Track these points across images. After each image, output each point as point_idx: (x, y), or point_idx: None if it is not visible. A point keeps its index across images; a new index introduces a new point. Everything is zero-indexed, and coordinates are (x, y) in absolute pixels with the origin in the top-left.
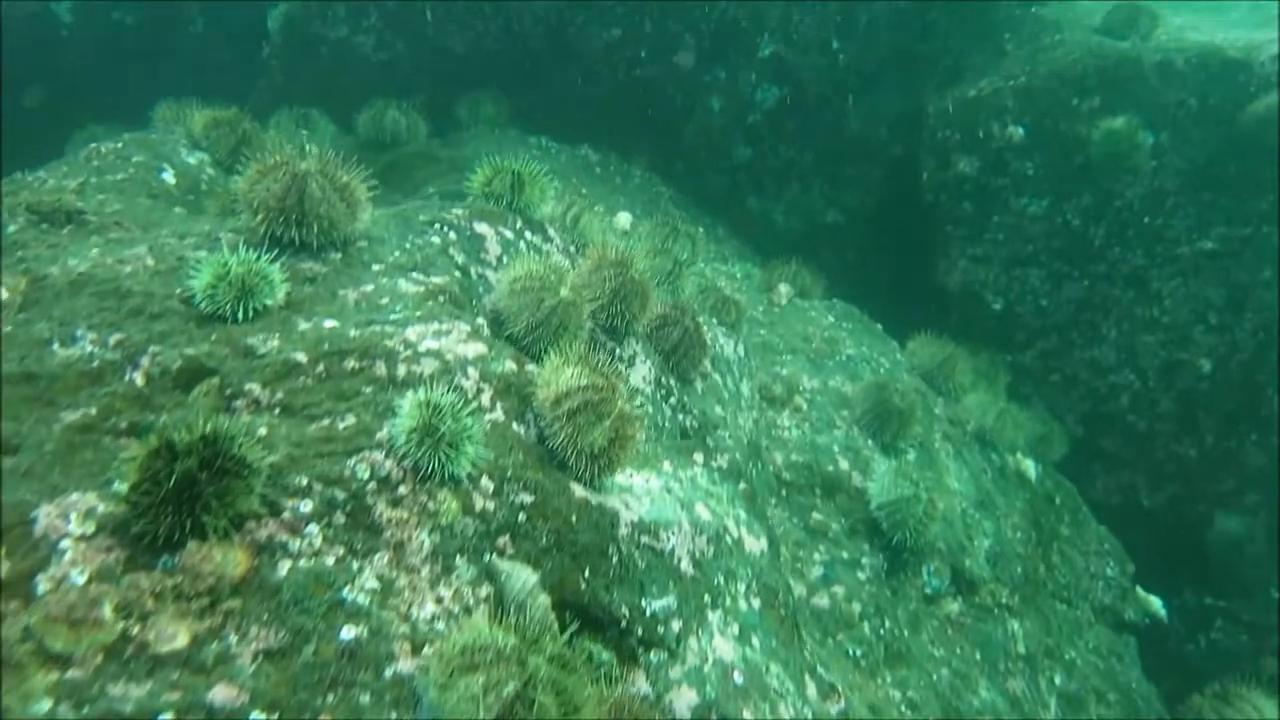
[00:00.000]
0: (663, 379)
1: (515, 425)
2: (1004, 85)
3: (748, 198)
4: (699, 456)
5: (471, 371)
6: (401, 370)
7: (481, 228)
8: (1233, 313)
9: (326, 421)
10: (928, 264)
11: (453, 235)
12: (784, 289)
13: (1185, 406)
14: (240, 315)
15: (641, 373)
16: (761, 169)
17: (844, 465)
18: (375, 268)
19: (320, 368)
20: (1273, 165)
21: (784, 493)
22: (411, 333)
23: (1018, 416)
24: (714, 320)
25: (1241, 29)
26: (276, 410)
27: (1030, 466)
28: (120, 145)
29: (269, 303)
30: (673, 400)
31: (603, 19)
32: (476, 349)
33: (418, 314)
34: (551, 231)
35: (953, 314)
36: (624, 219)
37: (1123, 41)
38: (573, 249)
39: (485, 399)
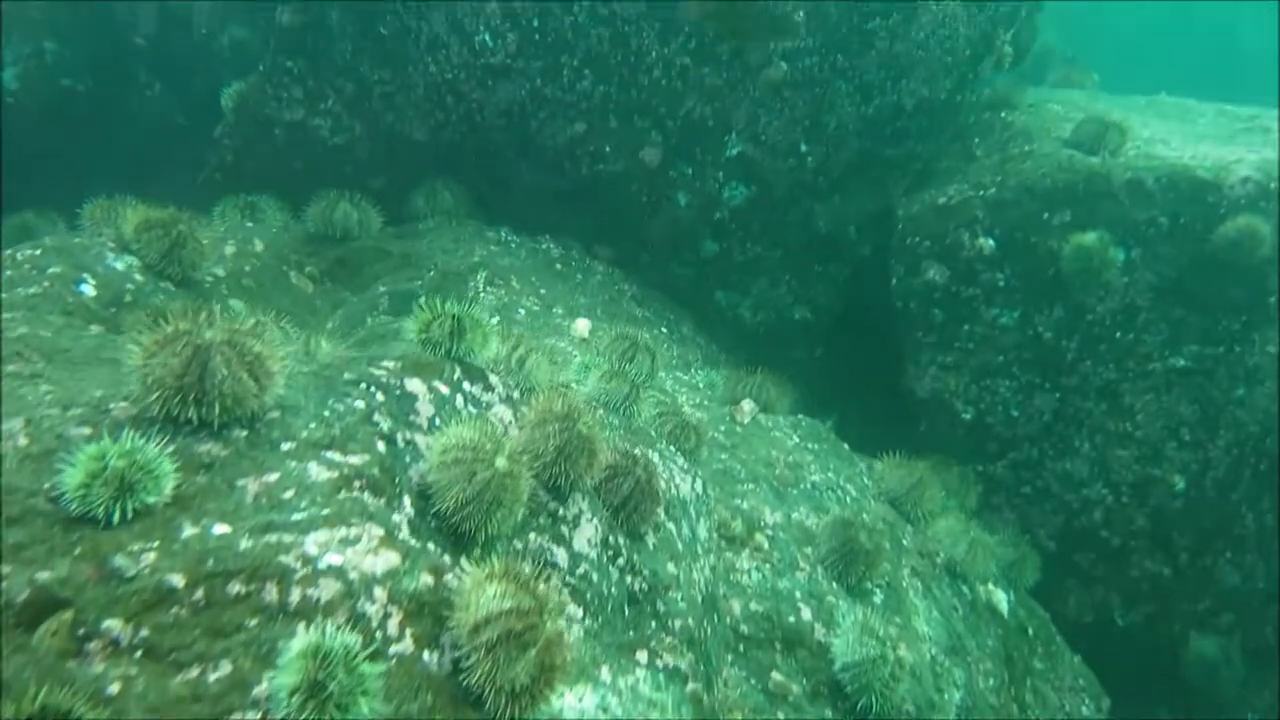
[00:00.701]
0: (610, 538)
1: (426, 656)
2: (974, 195)
3: (715, 291)
4: (642, 655)
5: (378, 593)
6: (295, 596)
7: (414, 385)
8: (1206, 430)
9: (196, 671)
10: (897, 367)
11: (380, 397)
12: (747, 406)
13: (1159, 523)
14: (116, 518)
15: (587, 534)
16: (729, 264)
17: (806, 615)
18: (285, 446)
19: (199, 594)
20: (1244, 287)
21: (741, 648)
22: (313, 543)
23: (989, 545)
24: (672, 449)
25: (1210, 141)
26: (138, 654)
27: (1002, 599)
28: (38, 253)
29: (152, 500)
30: (621, 561)
31: (566, 114)
32: (388, 561)
33: (325, 513)
34: (494, 379)
35: (922, 421)
36: (583, 326)
37: (1092, 157)
38: (518, 394)
39: (392, 626)
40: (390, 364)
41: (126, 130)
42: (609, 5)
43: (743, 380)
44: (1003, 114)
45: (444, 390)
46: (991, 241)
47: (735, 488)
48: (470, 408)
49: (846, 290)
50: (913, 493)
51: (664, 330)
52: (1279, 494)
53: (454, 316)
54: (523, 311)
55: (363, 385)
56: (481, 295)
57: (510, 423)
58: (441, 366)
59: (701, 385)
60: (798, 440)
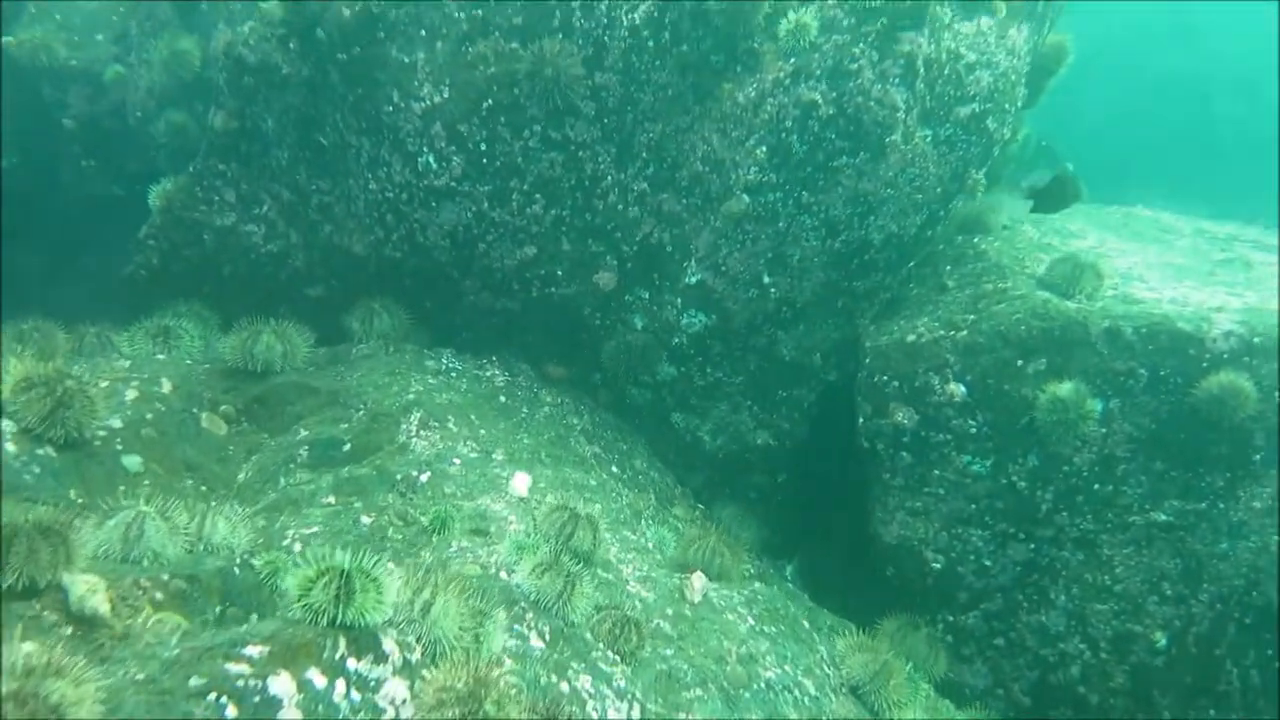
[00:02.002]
0: None
1: None
2: (945, 336)
3: (672, 413)
4: None
5: None
6: None
7: (280, 685)
8: (1188, 584)
9: None
10: (864, 506)
11: (230, 711)
12: (699, 583)
13: (1140, 681)
14: None
15: None
16: (687, 388)
17: None
18: None
19: None
20: (1227, 444)
21: None
22: None
23: None
24: (611, 655)
25: (1190, 279)
26: None
27: None
28: None
29: None
30: None
31: (515, 238)
32: None
33: None
34: (388, 644)
35: (889, 565)
36: (521, 483)
37: (1068, 301)
38: (419, 654)
39: None
40: (255, 651)
41: (58, 201)
42: (562, 130)
43: (695, 542)
44: (976, 239)
45: (319, 682)
46: (963, 388)
47: (680, 696)
48: (354, 695)
49: (811, 416)
50: (878, 680)
51: (614, 470)
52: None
53: (342, 572)
54: (458, 461)
55: (211, 696)
56: (413, 442)
57: (404, 702)
58: (322, 644)
59: (651, 545)
60: (752, 623)
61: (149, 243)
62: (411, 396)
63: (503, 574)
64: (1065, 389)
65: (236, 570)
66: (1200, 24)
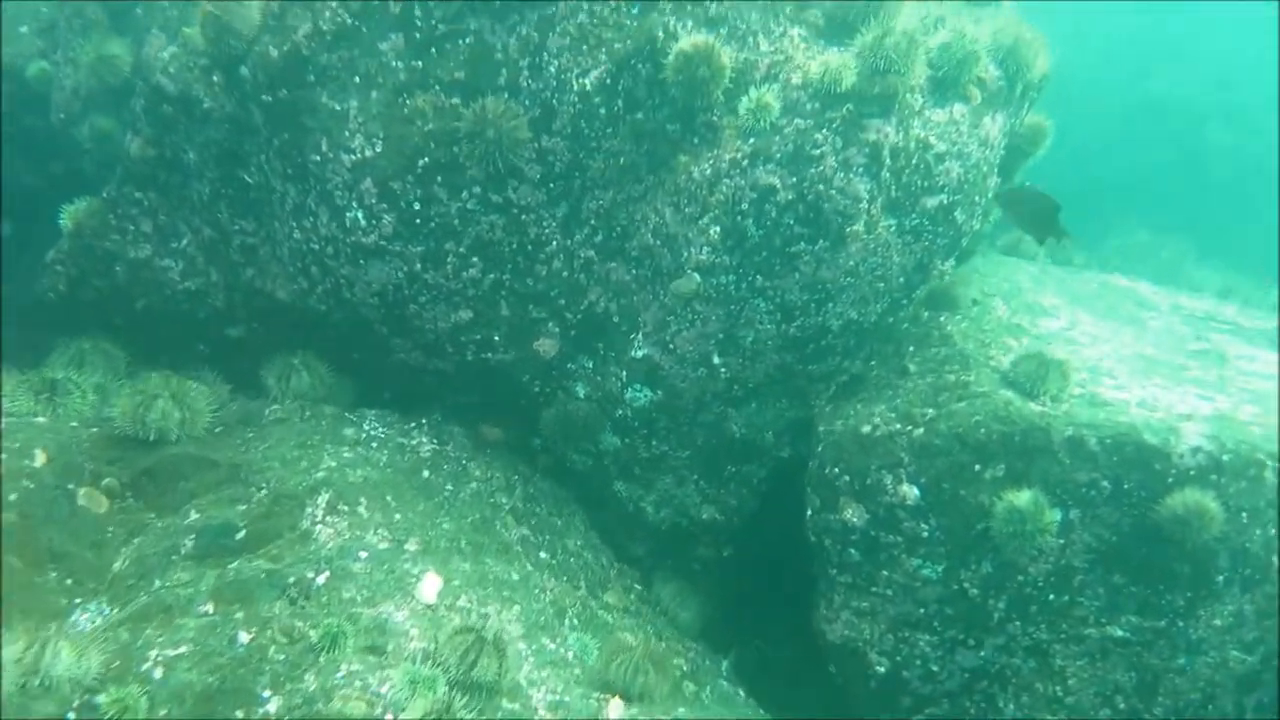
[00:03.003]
0: None
1: None
2: (901, 431)
3: (615, 482)
4: None
5: None
6: None
7: None
8: (1143, 698)
9: None
10: (808, 598)
11: None
12: (614, 713)
13: None
14: None
15: None
16: (631, 458)
17: None
18: None
19: None
20: (1190, 563)
21: None
22: None
23: None
24: None
25: (1160, 375)
26: None
27: None
28: None
29: None
30: None
31: (450, 300)
32: None
33: None
34: None
35: (832, 664)
36: (430, 588)
37: (1032, 402)
38: None
39: None
40: None
41: None
42: (503, 194)
43: (619, 655)
44: (942, 318)
45: None
46: (916, 490)
47: None
48: None
49: (761, 491)
50: None
51: (543, 556)
52: None
53: None
54: (364, 555)
55: None
56: (317, 529)
57: None
58: None
59: (572, 655)
60: None
61: (56, 268)
62: (321, 474)
63: (388, 717)
64: (1024, 499)
65: (71, 718)
66: (1190, 45)
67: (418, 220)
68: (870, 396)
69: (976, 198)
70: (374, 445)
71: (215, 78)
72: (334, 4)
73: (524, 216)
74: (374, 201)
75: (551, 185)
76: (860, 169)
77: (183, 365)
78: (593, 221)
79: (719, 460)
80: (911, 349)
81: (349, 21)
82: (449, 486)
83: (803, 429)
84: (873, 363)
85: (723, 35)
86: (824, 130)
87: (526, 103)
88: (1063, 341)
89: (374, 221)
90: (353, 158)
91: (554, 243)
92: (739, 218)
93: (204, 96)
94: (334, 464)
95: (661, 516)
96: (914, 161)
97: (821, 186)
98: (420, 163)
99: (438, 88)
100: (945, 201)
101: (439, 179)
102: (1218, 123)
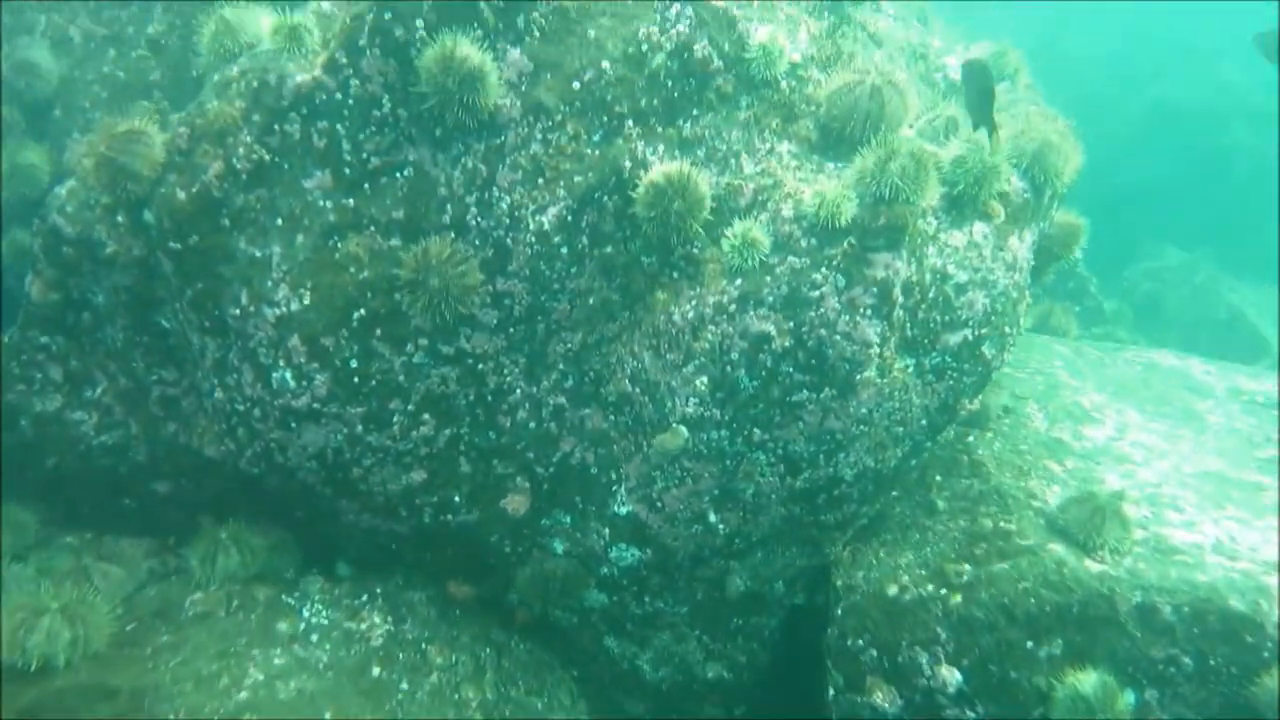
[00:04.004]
0: None
1: None
2: (934, 595)
3: (605, 638)
4: None
5: None
6: None
7: None
8: None
9: None
10: None
11: None
12: None
13: None
14: None
15: None
16: (622, 614)
17: None
18: None
19: None
20: None
21: None
22: None
23: None
24: None
25: (1233, 500)
26: None
27: None
28: None
29: None
30: None
31: (400, 461)
32: None
33: None
34: None
35: None
36: None
37: (1087, 556)
38: None
39: None
40: None
41: None
42: (454, 344)
43: None
44: (970, 438)
45: None
46: (959, 675)
47: None
48: None
49: (774, 641)
50: None
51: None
52: None
53: None
54: None
55: None
56: None
57: None
58: None
59: None
60: None
61: None
62: (244, 695)
63: None
64: (1089, 683)
65: None
66: (1208, 47)
67: (356, 379)
68: (894, 540)
69: (1007, 329)
70: (313, 640)
71: (119, 218)
72: (248, 139)
73: (481, 366)
74: (303, 361)
75: (511, 330)
76: (868, 310)
77: (106, 524)
78: (561, 366)
79: (722, 614)
80: (939, 478)
81: (267, 158)
82: (404, 685)
83: (818, 575)
84: (896, 494)
85: (700, 158)
86: (823, 269)
87: (477, 242)
88: (1113, 459)
89: (305, 383)
90: (277, 311)
91: (518, 391)
92: (729, 368)
93: (107, 240)
94: (261, 676)
95: (660, 676)
96: (931, 295)
97: (824, 331)
98: (355, 315)
99: (373, 228)
100: (970, 337)
101: (378, 332)
102: (1239, 124)
